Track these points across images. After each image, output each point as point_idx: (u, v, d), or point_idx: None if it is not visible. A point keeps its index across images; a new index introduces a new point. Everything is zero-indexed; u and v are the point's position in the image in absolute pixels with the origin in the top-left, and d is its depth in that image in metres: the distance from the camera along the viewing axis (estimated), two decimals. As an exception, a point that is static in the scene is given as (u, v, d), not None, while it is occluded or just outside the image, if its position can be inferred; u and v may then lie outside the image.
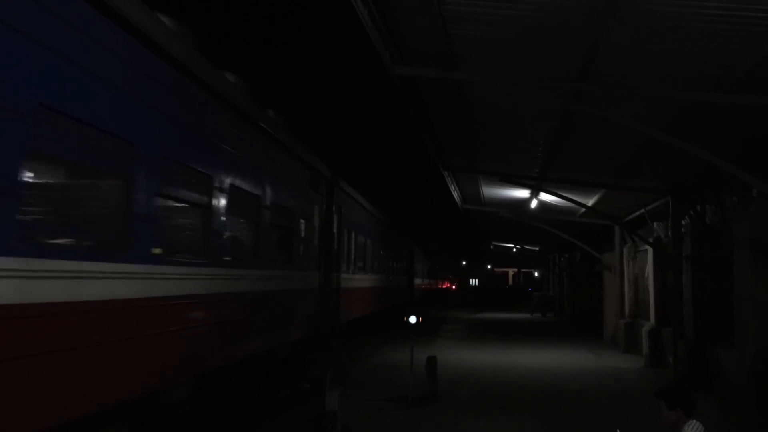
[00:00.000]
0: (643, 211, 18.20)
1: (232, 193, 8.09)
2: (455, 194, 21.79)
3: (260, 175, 9.26)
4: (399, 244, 30.20)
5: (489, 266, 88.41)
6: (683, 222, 15.30)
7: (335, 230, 14.60)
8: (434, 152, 15.35)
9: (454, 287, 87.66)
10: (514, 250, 46.36)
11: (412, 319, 12.23)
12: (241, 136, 8.60)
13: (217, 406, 8.64)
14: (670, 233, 15.84)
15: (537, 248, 42.08)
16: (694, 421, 4.82)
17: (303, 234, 11.79)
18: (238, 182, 8.33)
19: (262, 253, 9.32)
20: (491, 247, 49.02)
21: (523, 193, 19.60)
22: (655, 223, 18.59)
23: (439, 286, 76.87)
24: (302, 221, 11.64)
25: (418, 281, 42.28)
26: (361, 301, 19.17)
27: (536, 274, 64.94)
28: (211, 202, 7.56)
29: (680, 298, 14.70)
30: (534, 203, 20.03)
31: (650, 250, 18.15)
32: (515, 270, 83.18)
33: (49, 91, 4.71)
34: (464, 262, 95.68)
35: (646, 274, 19.16)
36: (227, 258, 8.04)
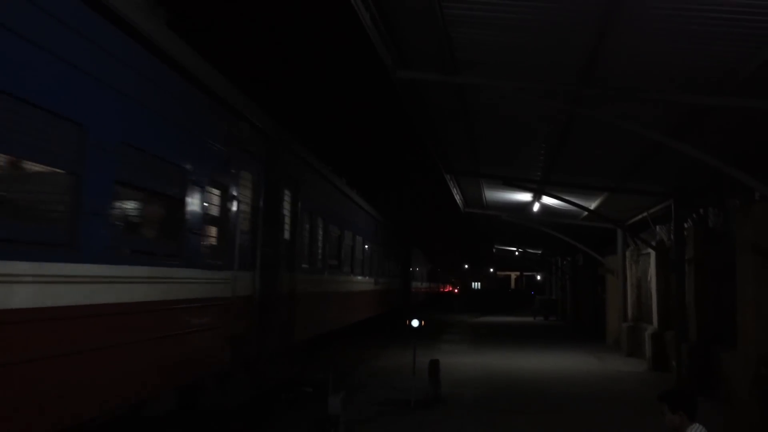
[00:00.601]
0: (645, 214, 18.17)
1: None
2: (457, 197, 21.79)
3: (79, 79, 5.15)
4: (395, 244, 27.96)
5: (491, 269, 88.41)
6: (686, 225, 15.28)
7: (287, 213, 10.81)
8: (436, 155, 15.35)
9: (456, 290, 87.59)
10: (517, 253, 46.32)
11: (415, 323, 12.23)
12: None
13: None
14: (672, 236, 15.82)
15: (539, 251, 42.04)
16: (697, 424, 4.81)
17: (214, 212, 7.88)
18: None
19: (93, 237, 5.29)
20: (493, 250, 48.99)
21: (525, 197, 19.58)
22: (657, 227, 18.57)
23: (441, 290, 76.80)
24: (210, 191, 7.71)
25: (417, 284, 41.40)
26: (335, 308, 15.30)
27: (539, 277, 64.91)
28: None
29: (683, 302, 14.67)
30: (536, 206, 20.00)
31: (653, 254, 18.13)
32: (518, 273, 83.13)
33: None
34: (466, 265, 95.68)
35: (648, 278, 19.13)
36: None
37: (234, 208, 8.49)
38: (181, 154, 6.98)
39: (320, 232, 13.61)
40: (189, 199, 7.14)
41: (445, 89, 10.27)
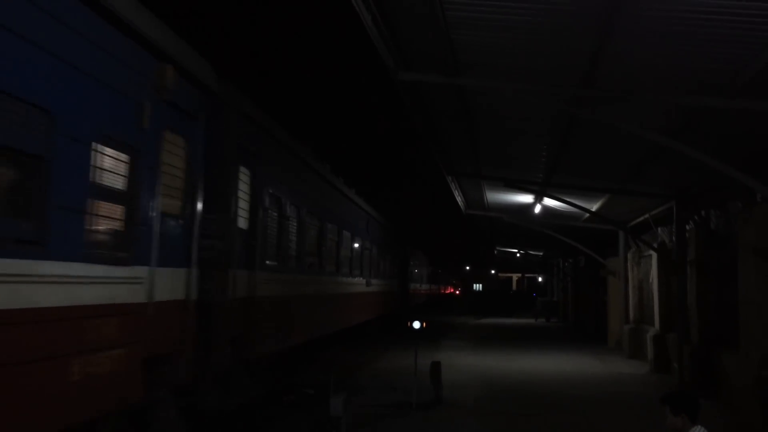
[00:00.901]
0: (647, 216, 18.16)
1: None
2: (459, 199, 21.79)
3: None
4: (392, 243, 26.65)
5: (493, 271, 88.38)
6: (687, 227, 15.27)
7: (243, 196, 8.74)
8: (437, 157, 15.34)
9: (457, 292, 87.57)
10: (518, 255, 46.31)
11: (416, 325, 12.22)
12: None
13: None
14: (674, 238, 15.80)
15: (541, 253, 42.04)
16: (699, 426, 4.80)
17: (112, 183, 5.75)
18: None
19: None
20: (495, 252, 48.99)
21: (526, 198, 19.59)
22: (659, 229, 18.56)
23: (442, 292, 76.73)
24: (103, 152, 5.56)
25: (416, 286, 40.58)
26: (314, 314, 13.13)
27: (540, 279, 64.87)
28: None
29: (685, 304, 14.65)
30: (538, 208, 20.01)
31: (654, 256, 18.10)
32: (519, 275, 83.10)
33: None
34: (468, 267, 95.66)
35: (650, 280, 19.11)
36: None
37: (150, 180, 6.30)
38: (44, 92, 4.75)
39: (294, 223, 11.44)
40: (61, 161, 4.91)
41: (447, 91, 10.27)
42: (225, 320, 7.93)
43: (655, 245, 18.03)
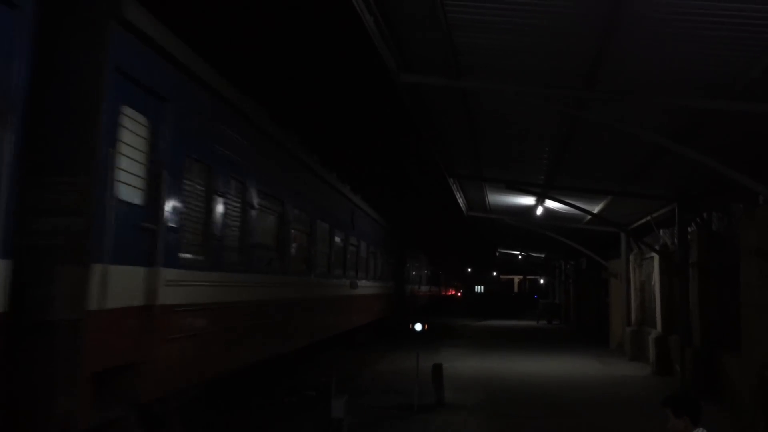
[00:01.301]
0: (649, 218, 18.15)
1: None
2: (460, 201, 21.79)
3: None
4: (386, 242, 25.25)
5: (494, 273, 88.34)
6: (690, 229, 15.26)
7: (136, 155, 6.04)
8: (439, 159, 15.34)
9: (459, 294, 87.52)
10: (520, 257, 46.30)
11: (418, 327, 12.22)
12: None
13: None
14: (676, 240, 15.79)
15: (543, 255, 42.02)
16: (701, 429, 4.79)
17: None
18: None
19: None
20: (497, 254, 48.98)
21: (528, 200, 19.58)
22: (661, 231, 18.55)
23: (443, 294, 76.62)
24: None
25: (415, 288, 39.65)
26: (262, 327, 9.77)
27: (542, 281, 64.86)
28: None
29: (687, 306, 14.64)
30: (539, 210, 20.00)
31: (656, 258, 18.09)
32: (521, 277, 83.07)
33: None
34: (469, 269, 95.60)
35: (652, 282, 19.09)
36: None
37: None
38: None
39: (235, 204, 8.58)
40: None
41: (449, 93, 10.27)
42: (82, 346, 5.05)
43: (657, 247, 18.02)
